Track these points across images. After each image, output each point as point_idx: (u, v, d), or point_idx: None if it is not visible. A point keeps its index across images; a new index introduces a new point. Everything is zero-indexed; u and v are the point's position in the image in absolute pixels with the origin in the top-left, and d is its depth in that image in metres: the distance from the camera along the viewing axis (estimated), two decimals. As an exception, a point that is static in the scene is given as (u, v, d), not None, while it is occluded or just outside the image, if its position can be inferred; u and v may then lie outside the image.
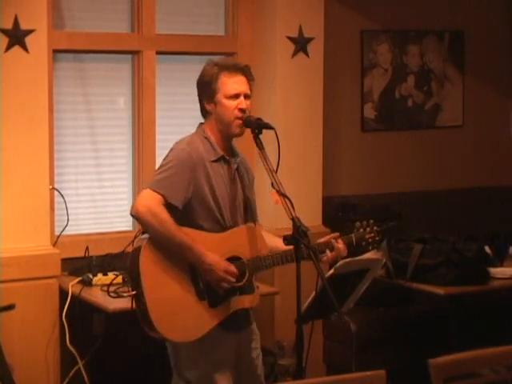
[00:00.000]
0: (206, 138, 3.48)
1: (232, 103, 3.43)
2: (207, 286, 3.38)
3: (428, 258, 4.65)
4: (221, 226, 3.46)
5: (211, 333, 3.39)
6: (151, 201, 3.33)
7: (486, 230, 5.16)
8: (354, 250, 3.67)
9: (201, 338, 3.38)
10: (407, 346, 5.06)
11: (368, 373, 2.72)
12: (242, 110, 3.43)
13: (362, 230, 3.67)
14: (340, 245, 3.54)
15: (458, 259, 4.60)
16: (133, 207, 3.37)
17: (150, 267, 3.33)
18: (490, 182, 6.18)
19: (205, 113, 3.54)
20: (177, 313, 3.35)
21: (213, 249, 3.38)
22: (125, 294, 4.16)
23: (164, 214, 3.32)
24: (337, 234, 3.62)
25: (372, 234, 3.68)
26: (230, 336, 3.48)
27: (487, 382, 2.91)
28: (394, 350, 5.04)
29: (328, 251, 3.52)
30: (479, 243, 4.78)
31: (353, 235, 3.64)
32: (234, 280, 3.37)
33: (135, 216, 3.37)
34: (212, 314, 3.39)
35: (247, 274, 3.45)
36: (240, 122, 3.44)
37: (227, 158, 3.50)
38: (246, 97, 3.46)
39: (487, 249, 4.85)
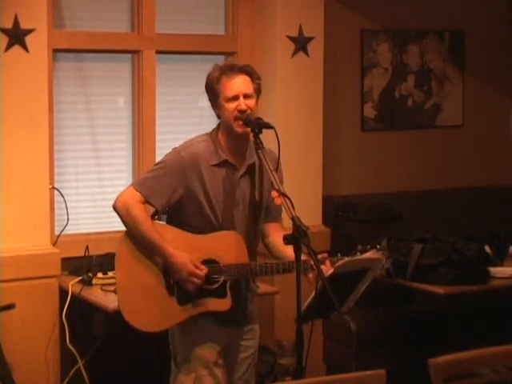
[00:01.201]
0: (213, 140, 3.49)
1: (231, 105, 3.42)
2: (177, 283, 3.43)
3: (428, 258, 4.65)
4: (215, 229, 3.47)
5: (202, 322, 3.44)
6: (129, 198, 3.42)
7: (485, 230, 5.16)
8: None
9: (193, 327, 3.43)
10: (407, 346, 5.05)
11: (368, 373, 2.72)
12: (242, 111, 3.41)
13: (358, 254, 3.57)
14: (324, 267, 3.39)
15: (458, 259, 4.60)
16: (114, 201, 3.46)
17: (124, 258, 3.44)
18: (490, 182, 6.18)
19: (217, 116, 3.54)
20: (144, 303, 3.43)
21: (190, 249, 3.41)
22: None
23: (138, 212, 3.40)
24: (325, 254, 3.52)
25: None
26: (221, 329, 3.50)
27: (487, 381, 2.90)
28: (394, 350, 5.04)
29: (310, 273, 3.42)
30: (479, 243, 4.78)
31: (347, 259, 3.51)
32: (199, 282, 3.39)
33: (114, 209, 3.46)
34: (179, 310, 3.44)
35: (221, 279, 3.45)
36: (241, 122, 3.42)
37: (232, 162, 3.48)
38: (247, 97, 3.43)
39: (487, 248, 4.85)
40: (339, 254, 4.25)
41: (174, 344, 3.57)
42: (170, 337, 3.60)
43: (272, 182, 3.57)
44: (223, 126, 3.48)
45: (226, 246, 3.47)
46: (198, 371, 3.49)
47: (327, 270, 3.41)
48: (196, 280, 3.39)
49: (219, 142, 3.48)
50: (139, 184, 3.46)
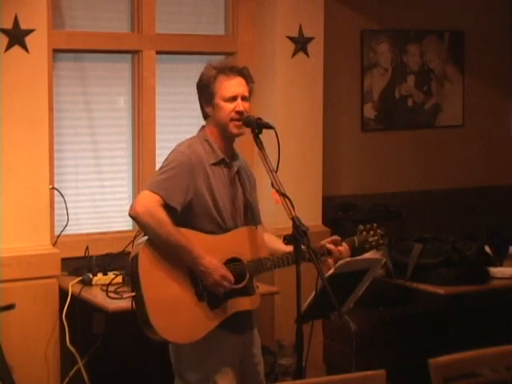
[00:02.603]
0: (206, 140, 3.48)
1: (229, 106, 3.43)
2: (206, 287, 3.38)
3: (428, 258, 4.64)
4: (221, 229, 3.45)
5: (214, 334, 3.39)
6: (150, 202, 3.33)
7: (485, 230, 5.16)
8: (357, 252, 3.67)
9: (203, 340, 3.38)
10: (407, 346, 5.05)
11: (368, 373, 2.72)
12: (239, 112, 3.42)
13: (364, 233, 3.67)
14: (342, 248, 3.54)
15: (457, 259, 4.60)
16: (131, 208, 3.36)
17: (149, 268, 3.33)
18: (490, 182, 6.18)
19: (205, 115, 3.53)
20: (176, 313, 3.34)
21: (212, 250, 3.37)
22: (124, 296, 4.17)
23: (162, 215, 3.31)
24: (336, 236, 3.60)
25: (376, 238, 3.69)
26: (234, 338, 3.48)
27: (487, 381, 2.91)
28: (394, 350, 5.04)
29: (329, 257, 3.52)
30: (479, 243, 4.78)
31: (355, 238, 3.65)
32: (229, 285, 3.37)
33: (133, 217, 3.36)
34: (211, 316, 3.38)
35: (247, 276, 3.44)
36: (238, 123, 3.43)
37: (227, 160, 3.49)
38: (244, 99, 3.45)
39: (487, 248, 4.85)
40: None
41: (181, 359, 3.49)
42: (172, 350, 3.53)
43: (253, 183, 3.64)
44: (215, 126, 3.48)
45: (245, 243, 3.46)
46: None
47: (343, 250, 3.53)
48: (226, 284, 3.36)
49: (212, 141, 3.48)
50: (155, 186, 3.36)
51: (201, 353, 3.43)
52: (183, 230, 3.37)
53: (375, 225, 3.71)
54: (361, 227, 3.69)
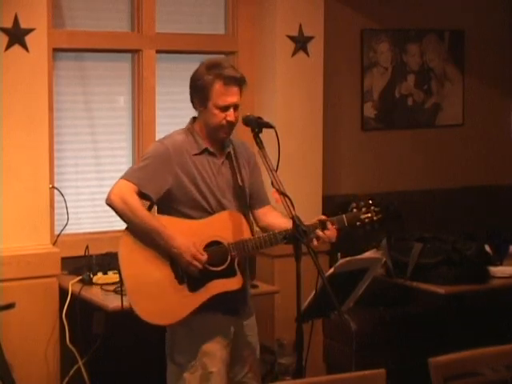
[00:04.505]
0: (190, 132, 3.55)
1: (221, 114, 3.47)
2: (186, 270, 3.42)
3: (428, 257, 4.64)
4: (209, 215, 3.50)
5: (203, 317, 3.44)
6: (123, 189, 3.45)
7: (485, 229, 5.16)
8: (349, 231, 3.52)
9: (193, 323, 3.43)
10: (407, 346, 5.05)
11: (368, 372, 2.72)
12: (230, 122, 3.48)
13: (355, 211, 3.56)
14: (329, 232, 3.45)
15: (458, 258, 4.60)
16: (107, 197, 3.48)
17: (128, 254, 3.43)
18: (490, 182, 6.18)
19: (196, 108, 3.58)
20: (156, 297, 3.41)
21: (193, 235, 3.42)
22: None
23: (135, 201, 3.42)
24: (323, 217, 3.51)
25: (369, 214, 3.53)
26: (223, 320, 3.51)
27: (487, 381, 2.91)
28: (394, 350, 5.04)
29: (315, 239, 3.44)
30: (479, 242, 4.78)
31: (344, 216, 3.52)
32: (200, 266, 3.39)
33: (109, 205, 3.48)
34: (192, 298, 3.43)
35: (229, 258, 3.45)
36: (227, 130, 3.49)
37: (212, 150, 3.53)
38: (236, 108, 3.49)
39: (487, 248, 4.85)
40: (339, 254, 4.27)
41: (174, 343, 3.55)
42: (167, 337, 3.58)
43: (253, 165, 3.66)
44: (204, 125, 3.53)
45: (227, 226, 3.49)
46: (206, 368, 3.49)
47: (330, 234, 3.44)
48: (197, 264, 3.39)
49: (197, 133, 3.54)
50: (129, 175, 3.49)
51: (191, 335, 3.47)
52: (162, 217, 3.46)
53: (370, 201, 3.54)
54: (353, 204, 3.55)
